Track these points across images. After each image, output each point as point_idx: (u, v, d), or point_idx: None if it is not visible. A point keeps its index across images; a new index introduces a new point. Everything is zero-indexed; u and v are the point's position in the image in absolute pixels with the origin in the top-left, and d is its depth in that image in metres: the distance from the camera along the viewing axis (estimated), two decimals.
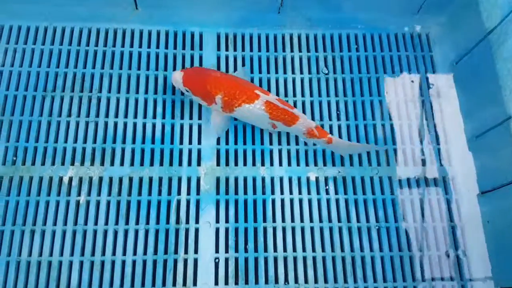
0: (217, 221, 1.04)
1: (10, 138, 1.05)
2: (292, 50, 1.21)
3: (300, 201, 1.07)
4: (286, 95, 1.16)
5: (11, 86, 1.10)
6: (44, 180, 1.03)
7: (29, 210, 1.00)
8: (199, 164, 1.08)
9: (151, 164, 1.07)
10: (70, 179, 1.04)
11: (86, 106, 1.10)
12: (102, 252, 0.99)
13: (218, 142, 1.10)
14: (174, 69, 1.16)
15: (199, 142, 1.10)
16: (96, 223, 1.01)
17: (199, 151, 1.09)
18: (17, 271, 0.96)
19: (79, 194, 1.03)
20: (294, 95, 1.16)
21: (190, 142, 1.10)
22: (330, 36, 1.23)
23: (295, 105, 1.15)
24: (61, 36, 1.16)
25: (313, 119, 1.14)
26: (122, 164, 1.06)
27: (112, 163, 1.06)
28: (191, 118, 1.12)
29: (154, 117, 1.11)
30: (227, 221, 1.04)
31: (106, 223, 1.01)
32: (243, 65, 1.18)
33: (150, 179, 1.06)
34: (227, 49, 1.20)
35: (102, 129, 1.08)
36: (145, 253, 1.00)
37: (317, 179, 1.09)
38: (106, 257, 0.98)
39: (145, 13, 1.16)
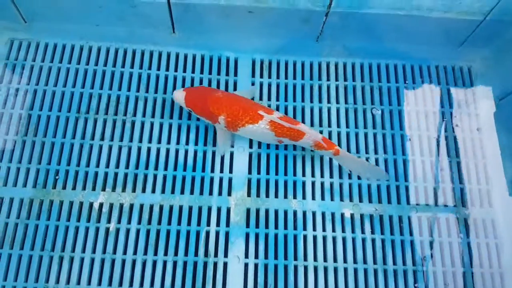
0: (246, 256, 1.01)
1: (42, 160, 1.05)
2: (328, 79, 1.18)
3: (334, 239, 1.03)
4: (321, 125, 1.13)
5: (44, 106, 1.09)
6: (74, 205, 1.02)
7: (58, 236, 0.99)
8: (229, 194, 1.06)
9: (182, 192, 1.05)
10: (101, 205, 1.02)
11: (119, 130, 1.09)
12: (129, 283, 0.97)
13: (249, 171, 1.08)
14: None
15: (231, 171, 1.08)
16: (125, 252, 0.99)
17: (230, 180, 1.07)
18: None
19: (109, 221, 1.01)
20: (329, 125, 1.13)
21: (222, 170, 1.08)
22: (368, 66, 1.19)
23: (330, 136, 1.12)
24: (96, 56, 1.15)
25: (349, 151, 1.11)
26: (153, 191, 1.05)
27: (143, 190, 1.04)
28: None
29: (187, 143, 1.09)
30: (256, 256, 1.01)
31: (135, 253, 0.99)
32: (278, 92, 1.15)
33: (180, 208, 1.04)
34: (262, 76, 1.17)
35: (135, 154, 1.07)
36: (172, 286, 0.98)
37: (352, 216, 1.05)
38: None
39: (182, 36, 1.14)
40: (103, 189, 1.03)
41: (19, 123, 1.07)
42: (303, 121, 1.12)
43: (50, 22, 1.13)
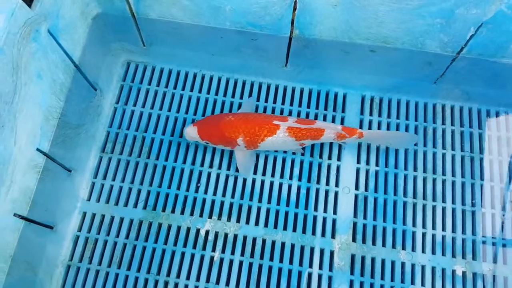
0: None
1: (153, 183, 1.09)
2: (443, 123, 1.13)
3: None
4: (434, 172, 1.08)
5: (158, 129, 1.14)
6: (182, 230, 1.04)
7: (165, 260, 1.02)
8: (333, 236, 1.04)
9: (285, 228, 1.05)
10: (207, 233, 1.04)
11: (227, 158, 1.11)
12: None
13: (355, 215, 1.05)
14: None
15: (335, 212, 1.06)
16: (227, 284, 1.00)
17: (334, 222, 1.05)
18: None
19: (213, 250, 1.03)
20: (444, 173, 1.08)
21: (325, 210, 1.06)
22: (486, 112, 1.13)
23: (443, 185, 1.07)
24: (208, 84, 1.18)
25: (463, 203, 1.05)
26: (256, 223, 1.05)
27: (247, 221, 1.05)
28: (327, 184, 1.08)
29: (291, 178, 1.09)
30: None
31: (237, 286, 1.00)
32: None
33: (283, 244, 1.03)
34: (371, 114, 1.14)
35: (240, 184, 1.08)
36: None
37: (464, 274, 0.99)
38: None
39: (293, 70, 1.14)
40: (210, 217, 1.05)
41: (133, 144, 1.12)
42: (415, 169, 1.08)
43: (168, 47, 1.17)
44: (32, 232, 0.91)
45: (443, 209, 1.05)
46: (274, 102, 1.16)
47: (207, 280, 1.01)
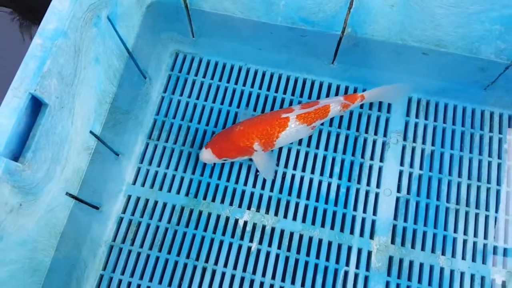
0: None
1: (196, 171, 1.09)
2: (491, 130, 1.09)
3: None
4: (479, 179, 1.04)
5: (202, 120, 1.14)
6: (221, 219, 1.04)
7: (204, 246, 1.02)
8: (371, 237, 1.02)
9: (322, 225, 1.03)
10: (245, 223, 1.04)
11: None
12: None
13: (395, 217, 1.03)
14: (357, 129, 1.11)
15: (374, 213, 1.04)
16: (263, 275, 1.00)
17: (373, 222, 1.03)
18: None
19: (251, 240, 1.03)
20: (489, 181, 1.04)
21: (365, 211, 1.04)
22: None
23: (487, 193, 1.03)
24: (253, 78, 1.18)
25: (507, 213, 1.01)
26: (294, 218, 1.04)
27: (285, 216, 1.04)
28: (368, 184, 1.06)
29: (331, 176, 1.08)
30: None
31: (273, 277, 1.00)
32: (434, 136, 1.08)
33: (320, 241, 1.02)
34: (417, 116, 1.11)
35: (279, 178, 1.07)
36: None
37: (503, 284, 0.96)
38: None
39: (340, 68, 1.12)
40: (248, 208, 1.05)
41: (178, 133, 1.13)
42: (459, 175, 1.05)
43: (216, 40, 1.17)
44: (79, 211, 0.93)
45: (486, 217, 1.01)
46: (318, 98, 1.14)
47: (244, 270, 1.00)
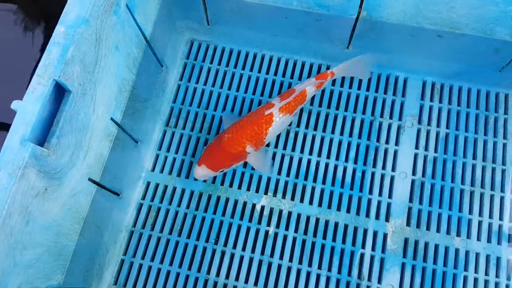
0: (401, 286, 0.96)
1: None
2: (506, 112, 1.07)
3: (496, 285, 0.94)
4: (494, 161, 1.03)
5: (218, 107, 1.13)
6: (238, 204, 1.04)
7: (222, 231, 1.03)
8: (387, 219, 1.01)
9: (338, 209, 1.03)
10: (262, 208, 1.04)
11: (283, 139, 1.08)
12: None
13: (410, 200, 1.02)
14: (373, 113, 1.10)
15: (390, 196, 1.03)
16: (281, 258, 1.00)
17: (388, 205, 1.02)
18: None
19: (268, 224, 1.03)
20: (503, 163, 1.02)
21: (380, 194, 1.03)
22: None
23: (502, 175, 1.02)
24: (268, 64, 1.17)
25: None
26: (311, 203, 1.04)
27: (301, 200, 1.04)
28: (383, 168, 1.05)
29: (346, 160, 1.07)
30: None
31: (291, 260, 1.00)
32: (448, 119, 1.07)
33: (336, 224, 1.02)
34: (431, 99, 1.10)
35: (295, 163, 1.07)
36: None
37: None
38: None
39: (354, 52, 1.10)
40: (265, 193, 1.05)
41: (195, 120, 1.12)
42: (474, 157, 1.03)
43: (231, 27, 1.15)
44: (101, 197, 0.93)
45: (501, 198, 1.00)
46: (333, 84, 1.13)
47: (262, 253, 1.01)
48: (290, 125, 1.09)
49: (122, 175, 1.01)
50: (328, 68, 1.14)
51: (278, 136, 1.09)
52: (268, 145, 1.08)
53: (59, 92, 0.74)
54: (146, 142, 1.08)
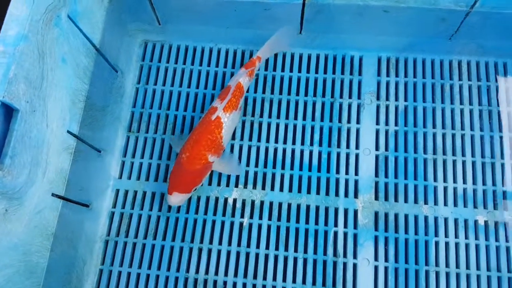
0: (376, 258, 1.00)
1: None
2: (460, 78, 1.10)
3: (467, 246, 0.99)
4: (453, 127, 1.06)
5: (180, 106, 1.14)
6: (210, 200, 1.06)
7: (197, 228, 1.04)
8: (356, 196, 1.04)
9: (308, 192, 1.06)
10: (235, 201, 1.06)
11: (248, 130, 1.11)
12: (263, 276, 1.00)
13: (376, 174, 1.05)
14: (332, 95, 1.12)
15: (356, 173, 1.06)
16: (258, 247, 1.02)
17: (356, 182, 1.05)
18: None
19: (242, 216, 1.05)
20: (462, 128, 1.06)
21: (347, 172, 1.06)
22: (502, 65, 1.10)
23: (462, 140, 1.06)
24: (224, 58, 1.18)
25: (483, 156, 1.04)
26: (281, 189, 1.06)
27: (272, 188, 1.06)
28: (348, 147, 1.08)
29: (311, 144, 1.09)
30: (386, 260, 0.99)
31: (267, 248, 1.02)
32: (406, 91, 1.10)
33: (308, 207, 1.04)
34: (388, 75, 1.12)
35: (263, 153, 1.09)
36: (303, 282, 0.99)
37: (486, 223, 0.99)
38: (267, 282, 0.99)
39: (308, 37, 1.12)
40: (236, 186, 1.07)
41: (158, 122, 1.13)
42: (434, 126, 1.07)
43: (183, 24, 1.15)
44: (70, 211, 0.94)
45: (463, 162, 1.04)
46: (291, 70, 1.15)
47: (238, 244, 1.03)
48: (244, 115, 1.11)
49: (88, 186, 1.01)
50: (284, 56, 1.16)
51: (243, 129, 1.11)
52: (233, 138, 1.10)
53: (7, 112, 0.74)
54: (110, 150, 1.08)
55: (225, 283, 1.00)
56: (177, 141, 1.05)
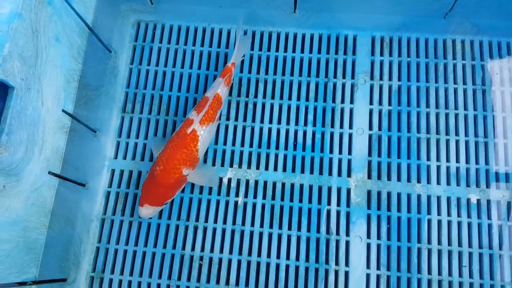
0: (368, 236, 1.04)
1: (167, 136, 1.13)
2: (454, 58, 1.13)
3: (459, 224, 1.03)
4: (446, 107, 1.09)
5: (173, 86, 1.16)
6: None
7: (192, 207, 1.08)
8: (349, 175, 1.08)
9: (302, 171, 1.09)
10: (229, 180, 1.10)
11: (243, 111, 1.14)
12: (258, 253, 1.04)
13: (369, 154, 1.09)
14: (326, 75, 1.15)
15: (349, 152, 1.10)
16: (252, 225, 1.06)
17: (349, 162, 1.09)
18: (181, 264, 1.05)
19: (237, 195, 1.09)
20: (456, 107, 1.10)
21: (340, 152, 1.10)
22: (497, 44, 1.13)
23: (456, 119, 1.09)
24: (218, 37, 1.20)
25: (476, 135, 1.07)
26: (275, 169, 1.10)
27: (266, 168, 1.10)
28: (341, 127, 1.11)
29: (306, 124, 1.12)
30: (379, 237, 1.04)
31: (262, 226, 1.06)
32: (399, 71, 1.13)
33: (301, 186, 1.08)
34: (382, 54, 1.15)
35: (257, 134, 1.12)
36: (297, 259, 1.04)
37: (478, 201, 1.03)
38: (261, 259, 1.04)
39: (302, 16, 1.15)
40: (231, 166, 1.10)
41: (152, 102, 1.16)
42: (427, 105, 1.10)
43: (175, 3, 1.18)
44: (66, 189, 0.98)
45: (457, 142, 1.08)
46: (285, 50, 1.17)
47: (233, 223, 1.07)
48: (239, 96, 1.14)
49: (84, 166, 1.05)
50: (278, 36, 1.18)
51: (238, 109, 1.14)
52: (228, 119, 1.13)
53: (2, 89, 0.77)
54: (105, 131, 1.12)
55: (220, 260, 1.05)
56: (158, 144, 1.06)
